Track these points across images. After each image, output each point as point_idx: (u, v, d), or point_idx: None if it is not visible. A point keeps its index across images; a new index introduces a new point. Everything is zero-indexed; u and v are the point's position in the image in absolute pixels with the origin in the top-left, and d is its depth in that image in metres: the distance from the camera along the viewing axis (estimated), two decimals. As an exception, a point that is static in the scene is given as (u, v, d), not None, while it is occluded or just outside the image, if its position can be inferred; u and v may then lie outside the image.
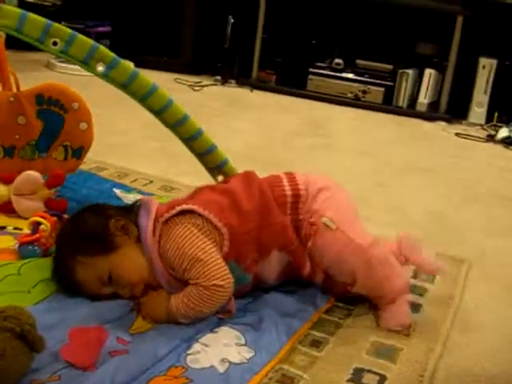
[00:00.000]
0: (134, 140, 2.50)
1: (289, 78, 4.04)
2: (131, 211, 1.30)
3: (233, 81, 4.09)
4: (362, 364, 1.16)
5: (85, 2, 4.45)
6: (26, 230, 1.47)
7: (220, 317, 1.24)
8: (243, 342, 1.16)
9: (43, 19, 1.31)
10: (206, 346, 1.13)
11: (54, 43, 1.31)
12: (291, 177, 1.37)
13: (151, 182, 2.01)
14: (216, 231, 1.25)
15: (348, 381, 1.11)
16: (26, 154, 1.69)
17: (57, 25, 1.31)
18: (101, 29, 4.22)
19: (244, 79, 4.08)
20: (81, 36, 1.33)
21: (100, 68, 1.35)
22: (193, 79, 4.01)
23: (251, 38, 4.05)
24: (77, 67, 3.79)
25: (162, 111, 1.38)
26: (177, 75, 4.04)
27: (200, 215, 1.25)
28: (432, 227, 1.95)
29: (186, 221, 1.24)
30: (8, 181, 1.65)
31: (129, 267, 1.23)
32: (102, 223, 1.25)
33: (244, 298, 1.32)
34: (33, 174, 1.64)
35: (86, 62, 1.35)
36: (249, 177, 1.36)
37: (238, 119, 3.16)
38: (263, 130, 3.01)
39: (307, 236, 1.31)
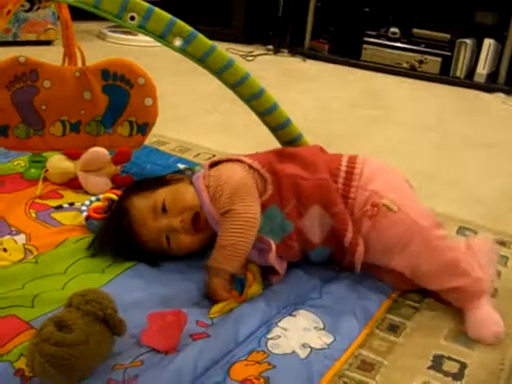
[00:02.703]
0: (191, 112, 2.48)
1: (342, 47, 3.96)
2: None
3: (285, 50, 4.03)
4: (442, 350, 1.14)
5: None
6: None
7: (271, 281, 1.25)
8: (321, 326, 1.15)
9: None
10: (285, 330, 1.12)
11: (132, 18, 1.27)
12: (352, 156, 1.35)
13: (213, 156, 1.99)
14: (260, 177, 1.29)
15: (429, 368, 1.09)
16: (91, 129, 1.68)
17: None
18: (152, -2, 4.19)
19: (296, 48, 4.02)
20: (158, 10, 1.29)
21: (177, 42, 1.30)
22: (244, 49, 3.96)
23: (304, 7, 3.97)
24: (128, 37, 3.82)
25: (237, 85, 1.35)
26: (228, 44, 3.99)
27: (245, 163, 1.31)
28: (499, 205, 1.90)
29: (231, 162, 1.33)
30: (74, 157, 1.65)
31: (182, 192, 1.30)
32: (158, 176, 1.39)
33: (319, 279, 1.31)
34: (100, 151, 1.64)
35: (164, 37, 1.30)
36: (311, 145, 1.43)
37: (292, 90, 3.12)
38: (318, 102, 2.97)
39: (365, 217, 1.27)
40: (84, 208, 1.50)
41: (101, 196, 1.53)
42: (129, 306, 1.11)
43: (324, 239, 1.30)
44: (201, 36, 1.32)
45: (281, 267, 1.28)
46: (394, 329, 1.19)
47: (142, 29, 1.28)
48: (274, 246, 1.24)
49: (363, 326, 1.17)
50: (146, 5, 1.28)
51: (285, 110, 1.44)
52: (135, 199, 1.30)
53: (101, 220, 1.42)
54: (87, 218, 1.45)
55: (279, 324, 1.13)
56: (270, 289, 1.24)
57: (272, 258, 1.24)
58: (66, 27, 1.61)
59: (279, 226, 1.27)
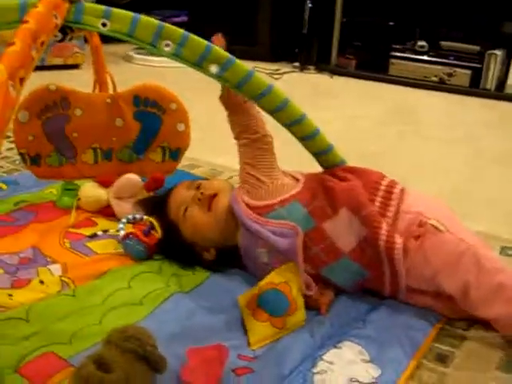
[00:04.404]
0: (223, 133, 2.44)
1: (369, 62, 3.92)
2: None
3: (311, 67, 4.01)
4: (493, 381, 1.09)
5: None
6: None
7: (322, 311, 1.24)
8: (368, 357, 1.11)
9: (155, 21, 1.24)
10: (331, 363, 1.08)
11: (166, 45, 1.23)
12: (393, 180, 1.34)
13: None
14: (292, 177, 1.37)
15: (482, 400, 1.05)
16: (123, 156, 1.66)
17: (169, 26, 1.24)
18: (176, 19, 4.19)
19: (323, 65, 4.00)
20: (193, 36, 1.25)
21: (213, 69, 1.26)
22: (271, 67, 3.94)
23: (329, 23, 3.95)
24: (154, 58, 3.82)
25: (277, 111, 1.30)
26: (254, 63, 3.97)
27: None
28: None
29: None
30: (107, 184, 1.64)
31: (218, 181, 1.53)
32: None
33: (361, 307, 1.28)
34: (132, 178, 1.62)
35: (200, 64, 1.26)
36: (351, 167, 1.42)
37: (321, 108, 3.07)
38: (348, 119, 2.93)
39: (411, 238, 1.22)
40: (121, 226, 1.49)
41: (137, 216, 1.53)
42: (168, 340, 1.09)
43: (354, 250, 1.25)
44: (238, 62, 1.27)
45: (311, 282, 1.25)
46: (442, 358, 1.14)
47: (178, 56, 1.24)
48: (300, 230, 1.23)
49: (411, 356, 1.13)
50: (181, 32, 1.24)
51: (326, 137, 1.40)
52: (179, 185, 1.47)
53: (139, 242, 1.42)
54: (124, 238, 1.44)
55: (324, 357, 1.10)
56: (312, 319, 1.21)
57: (299, 243, 1.22)
58: (96, 54, 1.60)
59: (299, 219, 1.25)
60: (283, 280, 1.21)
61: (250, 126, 1.39)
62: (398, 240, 1.21)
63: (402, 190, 1.30)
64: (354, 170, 1.36)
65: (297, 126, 1.33)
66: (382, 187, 1.30)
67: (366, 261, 1.25)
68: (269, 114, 1.33)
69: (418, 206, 1.26)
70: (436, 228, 1.22)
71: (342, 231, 1.25)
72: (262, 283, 1.21)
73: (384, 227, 1.22)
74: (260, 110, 1.37)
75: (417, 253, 1.22)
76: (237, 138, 1.43)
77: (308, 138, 1.36)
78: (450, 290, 1.21)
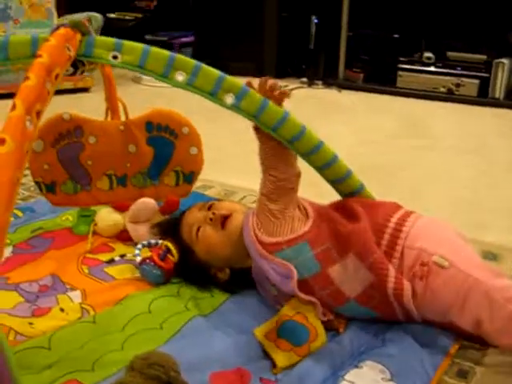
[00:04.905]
0: (231, 154, 2.47)
1: (377, 75, 3.94)
2: None
3: (319, 82, 4.02)
4: (517, 396, 1.09)
5: (166, 13, 4.48)
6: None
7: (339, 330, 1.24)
8: (389, 376, 1.11)
9: (166, 52, 1.24)
10: (353, 383, 1.08)
11: (179, 75, 1.23)
12: (405, 214, 1.31)
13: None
14: (304, 212, 1.33)
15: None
16: (138, 182, 1.67)
17: (180, 56, 1.25)
18: (184, 39, 4.23)
19: (331, 79, 4.01)
20: (206, 67, 1.25)
21: (229, 100, 1.25)
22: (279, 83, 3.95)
23: (336, 37, 3.97)
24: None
25: (294, 140, 1.28)
26: (262, 80, 3.99)
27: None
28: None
29: None
30: (123, 209, 1.65)
31: (230, 203, 1.53)
32: None
33: (379, 326, 1.27)
34: (148, 202, 1.64)
35: (214, 94, 1.25)
36: (363, 200, 1.41)
37: (331, 123, 3.09)
38: (358, 133, 2.94)
39: (416, 278, 1.21)
40: (137, 252, 1.50)
41: (152, 241, 1.54)
42: (189, 364, 1.09)
43: (360, 295, 1.24)
44: (252, 91, 1.26)
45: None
46: (463, 374, 1.14)
47: (191, 86, 1.24)
48: (295, 273, 1.22)
49: (432, 373, 1.13)
50: (193, 62, 1.24)
51: (345, 163, 1.39)
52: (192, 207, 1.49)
53: (156, 266, 1.43)
54: (141, 263, 1.46)
55: (346, 377, 1.10)
56: (331, 339, 1.21)
57: (294, 285, 1.22)
58: (108, 82, 1.62)
59: (304, 263, 1.24)
60: (297, 310, 1.22)
61: (280, 165, 1.31)
62: (406, 283, 1.20)
63: (413, 222, 1.28)
64: (365, 204, 1.35)
65: (315, 154, 1.32)
66: (391, 224, 1.27)
67: (374, 304, 1.25)
68: (288, 144, 1.30)
69: (421, 240, 1.24)
70: (439, 265, 1.20)
71: (347, 277, 1.24)
72: (277, 317, 1.22)
73: (391, 273, 1.21)
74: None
75: (425, 293, 1.21)
76: (265, 171, 1.33)
77: (326, 166, 1.35)
78: (462, 326, 1.21)
